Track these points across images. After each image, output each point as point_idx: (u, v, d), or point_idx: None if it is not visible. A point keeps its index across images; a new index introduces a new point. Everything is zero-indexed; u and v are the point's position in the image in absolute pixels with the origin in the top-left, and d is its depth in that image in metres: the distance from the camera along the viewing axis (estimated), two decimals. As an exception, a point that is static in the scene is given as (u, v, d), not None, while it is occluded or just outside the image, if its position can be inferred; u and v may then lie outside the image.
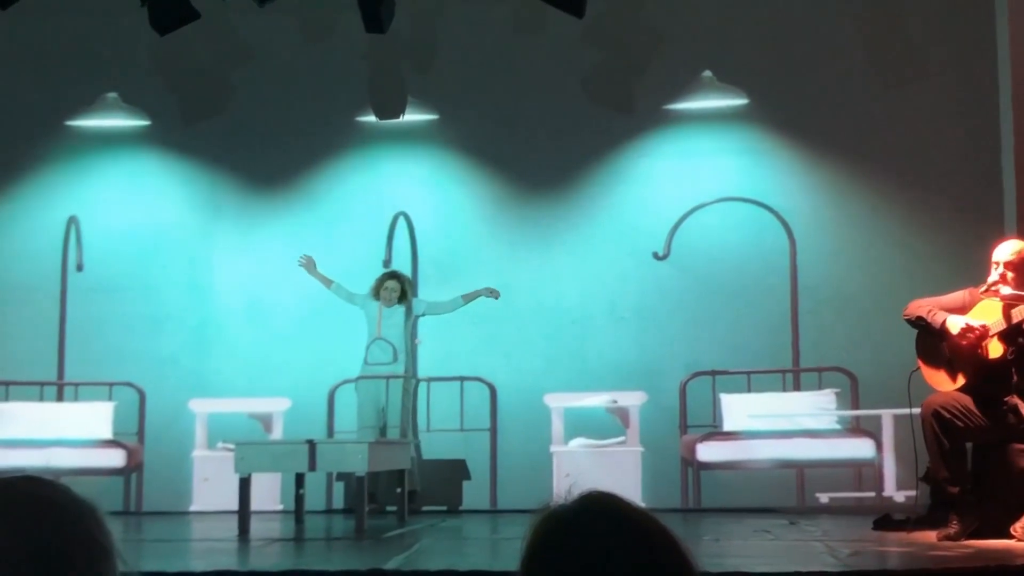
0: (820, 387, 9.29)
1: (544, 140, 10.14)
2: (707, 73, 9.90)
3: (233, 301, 10.27)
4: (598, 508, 1.42)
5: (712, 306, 9.88)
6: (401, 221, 9.95)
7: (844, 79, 9.84)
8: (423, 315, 8.93)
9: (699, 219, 9.87)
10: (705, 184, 10.01)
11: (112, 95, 10.20)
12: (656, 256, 9.74)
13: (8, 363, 9.82)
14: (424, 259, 10.05)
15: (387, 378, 8.65)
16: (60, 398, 9.87)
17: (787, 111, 9.99)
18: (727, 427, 9.09)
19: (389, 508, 8.16)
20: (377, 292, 8.73)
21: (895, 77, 9.74)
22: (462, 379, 9.59)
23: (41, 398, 9.73)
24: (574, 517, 1.41)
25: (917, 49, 9.74)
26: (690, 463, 8.99)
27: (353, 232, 10.19)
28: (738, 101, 10.01)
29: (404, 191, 10.29)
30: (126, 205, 10.34)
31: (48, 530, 1.32)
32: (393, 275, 8.85)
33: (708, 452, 8.84)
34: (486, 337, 10.03)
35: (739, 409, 9.10)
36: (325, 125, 10.23)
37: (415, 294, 9.03)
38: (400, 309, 8.74)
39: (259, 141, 10.28)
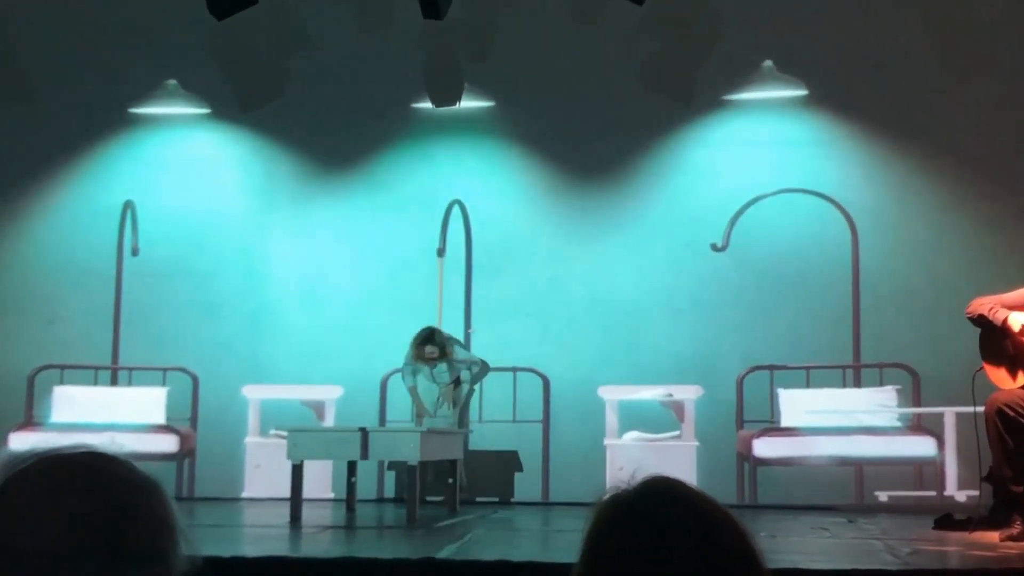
0: (881, 384, 9.20)
1: (601, 129, 10.11)
2: (767, 63, 9.82)
3: (288, 288, 10.36)
4: (662, 493, 1.42)
5: (771, 299, 9.81)
6: (456, 209, 9.97)
7: (909, 68, 9.71)
8: (468, 382, 8.77)
9: (759, 210, 9.80)
10: (765, 175, 9.93)
11: (172, 82, 10.31)
12: (714, 247, 9.69)
13: (63, 347, 9.96)
14: (478, 248, 10.07)
15: (432, 368, 8.60)
16: (114, 382, 10.00)
17: (850, 101, 9.88)
18: (785, 423, 9.03)
19: (430, 498, 8.14)
20: (420, 358, 8.48)
21: (963, 66, 9.58)
22: (515, 370, 9.59)
23: (95, 382, 9.86)
24: (637, 501, 1.41)
25: (986, 37, 9.58)
26: (746, 459, 8.95)
27: (408, 219, 10.23)
28: (797, 92, 9.93)
29: (459, 179, 10.31)
30: (182, 190, 10.44)
31: (112, 505, 1.33)
32: (428, 338, 8.50)
33: (765, 448, 8.80)
34: (540, 328, 10.03)
35: (797, 405, 9.04)
36: (381, 112, 10.27)
37: (458, 343, 8.89)
38: (443, 367, 8.61)
39: (315, 128, 10.34)
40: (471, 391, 8.95)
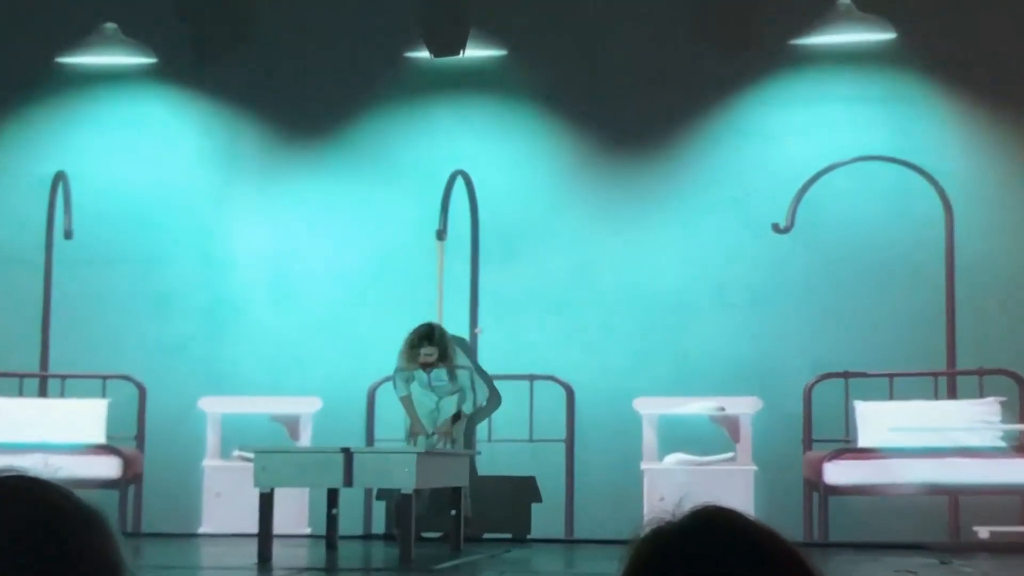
0: (981, 394, 9.20)
1: (636, 83, 10.11)
2: (845, 0, 9.81)
3: (254, 278, 10.37)
4: (713, 527, 1.43)
5: (846, 291, 9.80)
6: (459, 182, 9.98)
7: (1018, 10, 9.70)
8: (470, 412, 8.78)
9: (831, 183, 9.79)
10: (839, 139, 9.92)
11: (111, 26, 10.31)
12: (776, 228, 9.69)
13: (-18, 350, 10.02)
14: (486, 229, 10.08)
15: (429, 373, 8.63)
16: (44, 393, 10.03)
17: (945, 49, 9.85)
18: (863, 442, 9.04)
19: (428, 534, 8.16)
20: (414, 361, 8.49)
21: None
22: (532, 378, 9.60)
23: (20, 392, 9.89)
24: (683, 538, 1.42)
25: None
26: (815, 486, 8.96)
27: (401, 194, 10.24)
28: (883, 36, 9.91)
29: (463, 145, 10.31)
30: (125, 159, 10.47)
31: (49, 540, 1.34)
32: (426, 336, 8.49)
33: (838, 473, 8.80)
34: (563, 327, 10.04)
35: (878, 420, 9.05)
36: (367, 63, 10.27)
37: (463, 343, 8.89)
38: (442, 373, 8.57)
39: (288, 82, 10.35)
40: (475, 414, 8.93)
